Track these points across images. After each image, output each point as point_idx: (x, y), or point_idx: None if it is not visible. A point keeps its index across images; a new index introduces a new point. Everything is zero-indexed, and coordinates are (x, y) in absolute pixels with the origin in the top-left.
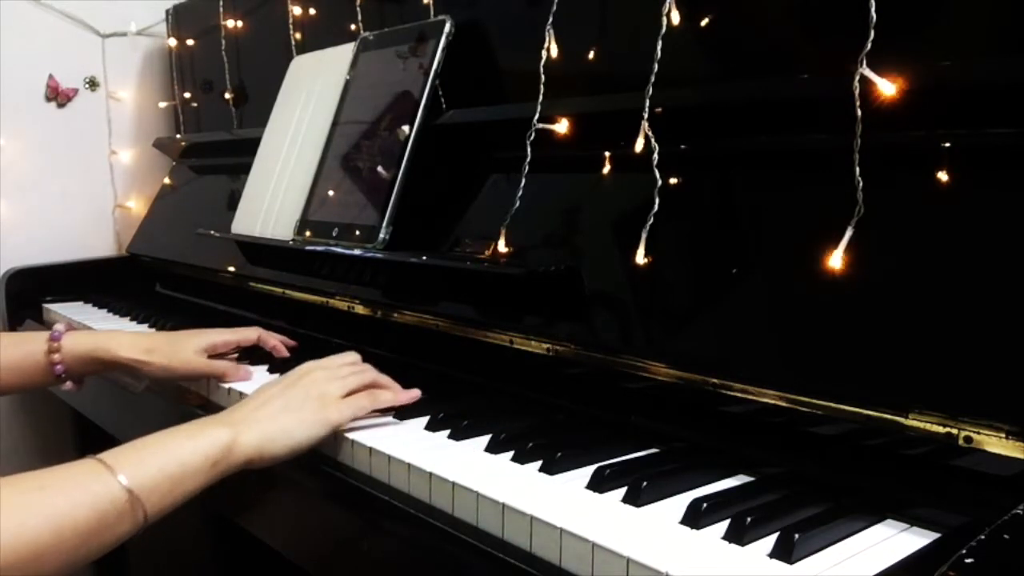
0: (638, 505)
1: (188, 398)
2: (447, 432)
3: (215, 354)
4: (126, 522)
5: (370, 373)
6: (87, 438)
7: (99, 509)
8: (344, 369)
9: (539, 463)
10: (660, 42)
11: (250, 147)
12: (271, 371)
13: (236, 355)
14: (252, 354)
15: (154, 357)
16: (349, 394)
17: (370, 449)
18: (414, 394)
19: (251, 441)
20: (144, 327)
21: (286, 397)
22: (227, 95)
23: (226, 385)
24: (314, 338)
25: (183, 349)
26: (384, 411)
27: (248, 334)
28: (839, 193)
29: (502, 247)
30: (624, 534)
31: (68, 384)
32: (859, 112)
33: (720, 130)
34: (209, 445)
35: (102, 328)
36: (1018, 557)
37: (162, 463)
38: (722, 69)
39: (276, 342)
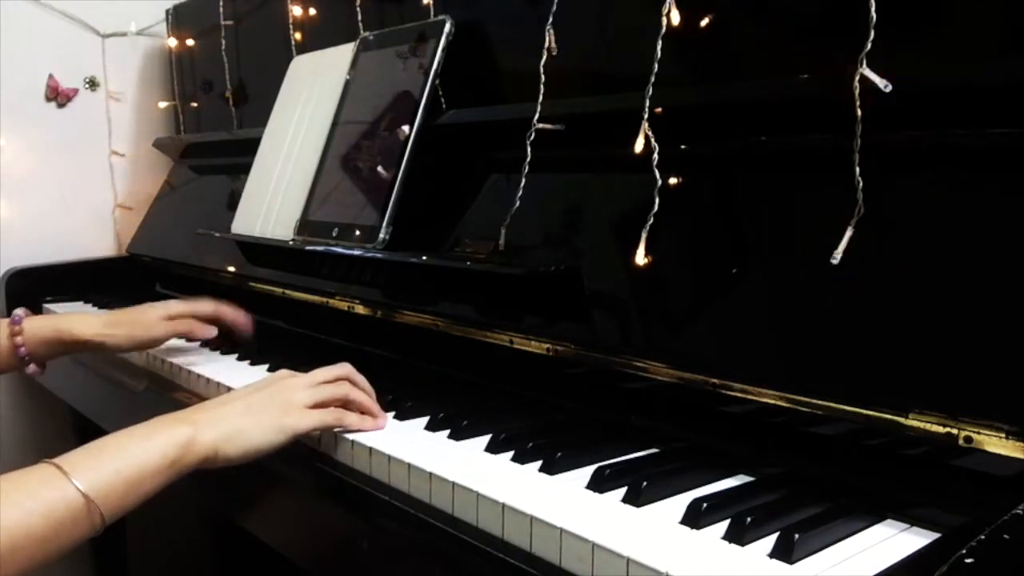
0: (638, 505)
1: (187, 399)
2: (447, 432)
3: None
4: (82, 526)
5: (345, 388)
6: (86, 437)
7: (54, 516)
8: (319, 378)
9: (539, 463)
10: (660, 42)
11: (250, 147)
12: (271, 370)
13: (208, 346)
14: (220, 345)
15: (117, 330)
16: (318, 406)
17: (370, 449)
18: (380, 424)
19: (208, 440)
20: None
21: (250, 400)
22: (227, 95)
23: (217, 379)
24: (314, 338)
25: (144, 318)
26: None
27: (204, 306)
28: (839, 193)
29: (502, 247)
30: (624, 534)
31: (32, 367)
32: (859, 112)
33: (720, 130)
34: (166, 444)
35: None
36: (1018, 557)
37: (119, 465)
38: (722, 69)
39: (234, 315)
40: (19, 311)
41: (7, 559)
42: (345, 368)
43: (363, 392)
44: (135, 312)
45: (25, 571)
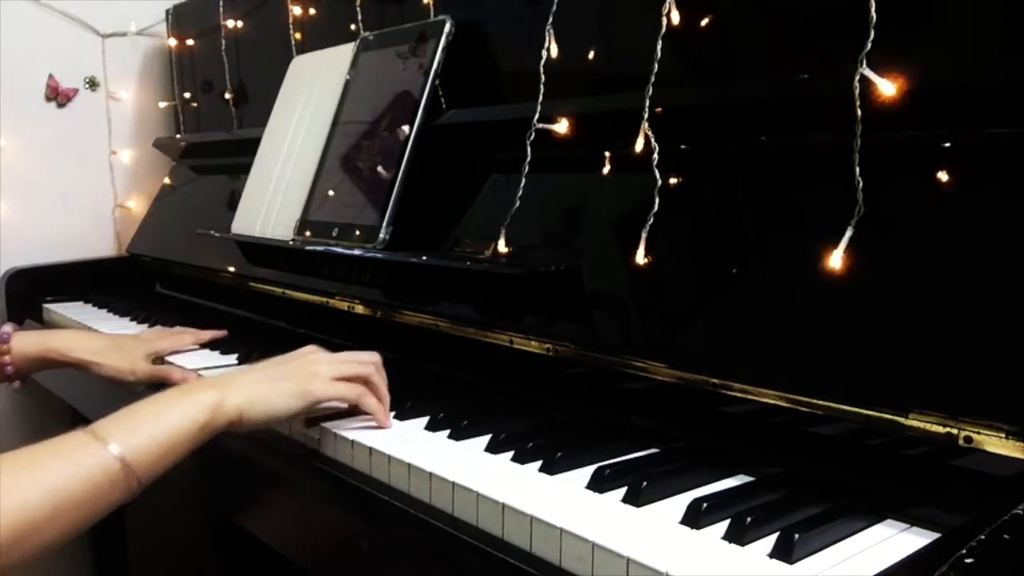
0: (638, 505)
1: None
2: (447, 432)
3: (158, 360)
4: (119, 490)
5: (368, 370)
6: None
7: (93, 481)
8: (345, 357)
9: (539, 463)
10: (660, 42)
11: (250, 147)
12: (240, 361)
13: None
14: (220, 345)
15: (104, 359)
16: (341, 380)
17: (370, 449)
18: (390, 423)
19: (234, 404)
20: (144, 327)
21: (276, 369)
22: (227, 95)
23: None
24: (314, 338)
25: (131, 355)
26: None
27: (183, 340)
28: (839, 193)
29: (502, 247)
30: (624, 534)
31: (17, 383)
32: (859, 112)
33: (720, 130)
34: (196, 408)
35: (103, 329)
36: (1018, 557)
37: (152, 430)
38: (722, 69)
39: (208, 335)
40: (7, 327)
41: (49, 523)
42: (372, 355)
43: (383, 382)
44: (124, 346)
45: (65, 535)
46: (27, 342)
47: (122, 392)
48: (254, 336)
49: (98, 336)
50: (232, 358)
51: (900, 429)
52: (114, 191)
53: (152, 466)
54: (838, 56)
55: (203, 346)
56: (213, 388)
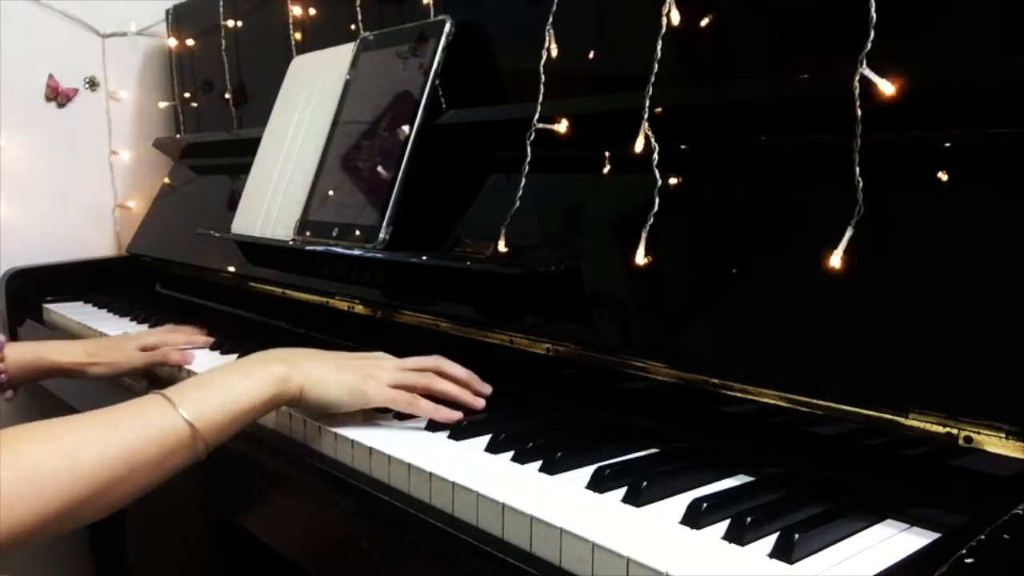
0: (638, 505)
1: None
2: (447, 432)
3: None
4: (187, 452)
5: (428, 378)
6: None
7: (165, 443)
8: (407, 364)
9: (539, 463)
10: (660, 42)
11: (250, 147)
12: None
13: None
14: (221, 346)
15: (98, 358)
16: (398, 387)
17: (370, 449)
18: (453, 415)
19: (298, 381)
20: (144, 327)
21: (340, 361)
22: (227, 95)
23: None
24: (314, 338)
25: (124, 348)
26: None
27: (176, 337)
28: (839, 193)
29: (502, 247)
30: (624, 534)
31: (9, 392)
32: (859, 112)
33: (720, 130)
34: (264, 380)
35: (103, 328)
36: (1018, 557)
37: (222, 398)
38: (722, 69)
39: (202, 340)
40: (0, 337)
41: (125, 479)
42: (435, 360)
43: (451, 384)
44: (115, 341)
45: (140, 490)
46: (19, 351)
47: (121, 392)
48: (254, 336)
49: (87, 341)
50: (232, 359)
51: (900, 429)
52: (114, 191)
53: (219, 433)
54: (838, 56)
55: (222, 350)
56: (282, 362)
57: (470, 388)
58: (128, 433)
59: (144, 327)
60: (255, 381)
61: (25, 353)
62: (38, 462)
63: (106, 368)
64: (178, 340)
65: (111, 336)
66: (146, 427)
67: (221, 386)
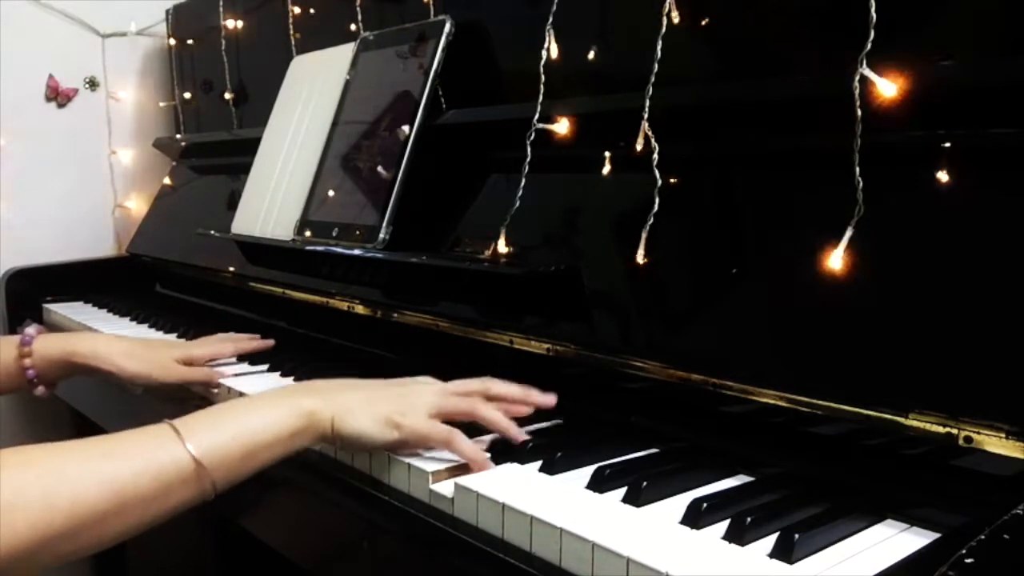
0: (638, 505)
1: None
2: None
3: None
4: (191, 490)
5: (472, 403)
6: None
7: (163, 479)
8: (451, 389)
9: (539, 463)
10: (660, 42)
11: (250, 147)
12: (271, 370)
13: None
14: (252, 356)
15: (133, 363)
16: (440, 415)
17: None
18: (486, 465)
19: (328, 415)
20: (144, 327)
21: (376, 392)
22: (227, 95)
23: (227, 384)
24: (314, 338)
25: (162, 356)
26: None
27: (223, 349)
28: (839, 193)
29: (502, 247)
30: (624, 534)
31: (40, 389)
32: (859, 112)
33: (720, 130)
34: (288, 414)
35: (103, 329)
36: (1018, 557)
37: (236, 431)
38: (722, 69)
39: (254, 345)
40: (30, 330)
41: (113, 515)
42: (482, 383)
43: (496, 413)
44: (154, 348)
45: (134, 528)
46: (49, 345)
47: (124, 396)
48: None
49: (126, 339)
50: (262, 367)
51: (900, 429)
52: (114, 191)
53: (230, 470)
54: (838, 56)
55: (252, 360)
56: (314, 394)
57: (528, 403)
58: (121, 465)
59: (144, 327)
60: (278, 413)
61: (55, 347)
62: (12, 489)
63: (140, 377)
64: (226, 352)
65: (153, 340)
66: (144, 460)
67: (237, 418)
